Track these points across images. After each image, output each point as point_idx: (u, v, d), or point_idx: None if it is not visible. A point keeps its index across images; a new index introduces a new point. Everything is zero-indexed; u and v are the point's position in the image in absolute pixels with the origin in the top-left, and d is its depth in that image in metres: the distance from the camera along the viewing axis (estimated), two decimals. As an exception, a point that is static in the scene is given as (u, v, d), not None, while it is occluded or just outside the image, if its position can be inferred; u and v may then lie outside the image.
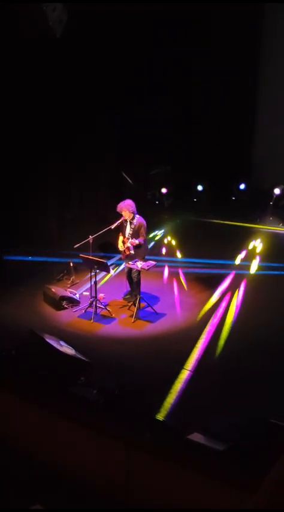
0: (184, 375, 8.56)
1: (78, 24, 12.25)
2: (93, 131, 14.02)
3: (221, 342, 9.58)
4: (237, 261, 12.66)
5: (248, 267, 12.52)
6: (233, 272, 12.25)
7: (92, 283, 10.40)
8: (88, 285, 10.94)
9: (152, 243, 13.79)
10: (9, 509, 4.91)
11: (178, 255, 13.33)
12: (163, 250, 13.59)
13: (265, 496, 2.54)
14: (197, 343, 9.47)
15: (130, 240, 10.29)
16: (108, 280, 11.74)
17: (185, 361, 8.91)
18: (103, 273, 11.36)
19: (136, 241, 10.28)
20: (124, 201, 10.36)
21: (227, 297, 11.11)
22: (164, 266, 12.52)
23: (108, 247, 12.37)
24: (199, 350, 9.28)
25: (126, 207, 10.25)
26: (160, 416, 7.42)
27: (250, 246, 13.57)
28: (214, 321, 10.22)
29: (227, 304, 10.81)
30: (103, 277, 11.69)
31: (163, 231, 14.71)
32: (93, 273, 10.37)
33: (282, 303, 10.99)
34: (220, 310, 10.61)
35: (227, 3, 14.61)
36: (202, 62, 15.52)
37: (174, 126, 15.79)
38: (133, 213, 10.31)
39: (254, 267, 12.58)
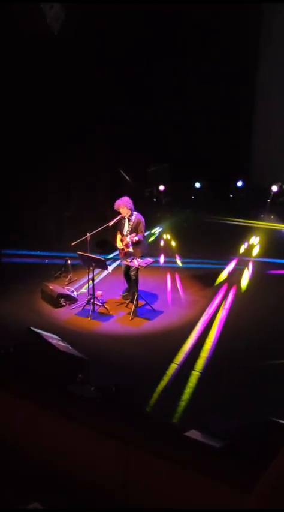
0: (186, 373, 8.57)
1: (77, 21, 12.25)
2: (92, 128, 14.02)
3: (220, 339, 9.59)
4: (224, 275, 12.52)
5: (245, 264, 12.51)
6: (231, 269, 12.26)
7: (90, 280, 10.40)
8: (86, 283, 10.92)
9: (150, 240, 13.78)
10: (8, 509, 4.91)
11: (176, 252, 13.32)
12: (161, 248, 13.58)
13: (263, 494, 2.55)
14: (191, 339, 9.48)
15: (129, 236, 10.28)
16: (106, 277, 11.72)
17: (183, 359, 8.92)
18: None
19: (136, 238, 10.27)
20: (121, 198, 10.35)
21: (225, 294, 11.12)
22: (162, 264, 12.52)
23: (105, 244, 12.36)
24: (193, 346, 9.28)
25: (124, 204, 10.24)
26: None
27: (248, 244, 13.57)
28: (210, 318, 10.22)
29: (225, 302, 10.82)
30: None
31: (160, 228, 14.70)
32: (92, 273, 10.36)
33: (280, 300, 11.01)
34: (218, 307, 10.62)
35: (228, 3, 14.63)
36: (200, 60, 15.50)
37: (172, 124, 15.79)
38: (130, 210, 10.30)
39: (251, 264, 12.58)
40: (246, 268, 12.35)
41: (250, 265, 12.52)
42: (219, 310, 10.51)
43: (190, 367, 8.75)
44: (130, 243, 10.30)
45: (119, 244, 10.47)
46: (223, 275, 11.97)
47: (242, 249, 13.19)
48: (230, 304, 10.77)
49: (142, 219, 10.36)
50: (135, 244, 10.34)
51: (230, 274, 11.98)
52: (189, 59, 15.40)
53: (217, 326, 9.99)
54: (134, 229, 10.30)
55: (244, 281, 11.78)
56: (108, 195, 13.42)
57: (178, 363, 8.84)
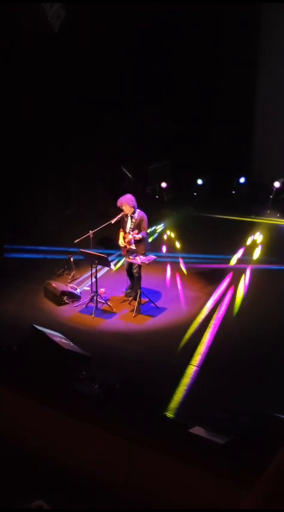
0: (190, 370, 8.58)
1: (78, 19, 12.24)
2: (93, 126, 14.02)
3: (222, 335, 9.60)
4: (233, 262, 12.55)
5: (248, 261, 12.51)
6: (234, 266, 12.26)
7: (93, 278, 10.40)
8: (89, 280, 10.93)
9: (153, 237, 13.80)
10: (10, 509, 4.92)
11: (178, 249, 13.32)
12: (164, 245, 13.58)
13: (264, 490, 2.55)
14: (196, 337, 9.49)
15: (130, 236, 10.28)
16: (109, 275, 11.73)
17: (186, 356, 8.93)
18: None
19: (139, 235, 10.27)
20: (124, 195, 10.34)
21: (227, 291, 11.12)
22: (164, 260, 12.52)
23: (108, 242, 12.37)
24: (200, 344, 9.29)
25: (126, 202, 10.23)
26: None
27: (250, 240, 13.56)
28: (214, 315, 10.23)
29: (228, 299, 10.82)
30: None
31: (163, 225, 14.70)
32: (94, 269, 10.37)
33: (282, 295, 11.01)
34: (221, 304, 10.62)
35: (229, 3, 14.63)
36: (202, 57, 15.49)
37: (174, 120, 15.78)
38: (133, 207, 10.28)
39: (254, 260, 12.57)
40: (249, 264, 12.34)
41: (252, 261, 12.52)
42: (221, 306, 10.52)
43: (193, 363, 8.75)
44: (133, 241, 10.30)
45: (121, 242, 10.47)
46: (226, 271, 11.96)
47: (238, 255, 13.10)
48: (232, 300, 10.77)
49: (145, 217, 10.35)
50: (138, 241, 10.33)
51: (233, 271, 11.94)
52: (191, 57, 15.39)
53: (220, 322, 9.99)
54: (137, 227, 10.29)
55: (246, 276, 11.80)
56: (110, 193, 13.43)
57: (182, 360, 8.85)
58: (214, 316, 10.20)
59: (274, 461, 2.57)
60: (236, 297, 10.94)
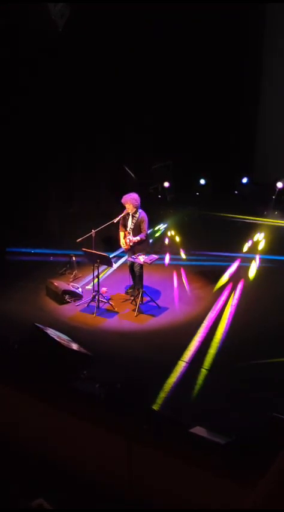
0: (181, 367, 8.58)
1: (82, 20, 12.25)
2: (97, 126, 14.03)
3: (225, 335, 9.59)
4: (244, 249, 12.57)
5: (250, 261, 12.51)
6: (236, 265, 12.26)
7: (94, 276, 10.41)
8: (91, 279, 10.93)
9: (156, 236, 13.80)
10: (11, 508, 4.91)
11: (181, 249, 13.32)
12: (166, 244, 13.57)
13: (266, 490, 2.55)
14: (197, 336, 9.48)
15: (129, 237, 10.29)
16: (111, 274, 11.74)
17: (188, 356, 8.93)
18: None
19: (137, 238, 10.29)
20: (130, 193, 10.36)
21: (229, 291, 11.12)
22: (166, 260, 12.52)
23: (110, 241, 12.37)
24: (199, 343, 9.29)
25: (131, 200, 10.25)
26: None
27: (253, 240, 13.55)
28: (215, 314, 10.22)
29: (230, 298, 10.81)
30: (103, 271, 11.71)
31: (165, 225, 14.70)
32: (97, 270, 10.37)
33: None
34: (222, 303, 10.62)
35: (231, 3, 14.62)
36: (204, 56, 15.49)
37: (176, 120, 15.79)
38: (136, 207, 10.30)
39: (256, 260, 12.57)
40: (252, 263, 12.33)
41: (256, 260, 12.51)
42: (225, 306, 10.51)
43: (195, 363, 8.75)
44: (132, 242, 10.33)
45: (123, 244, 10.47)
46: (228, 271, 11.96)
47: (246, 247, 13.15)
48: (234, 299, 10.76)
49: (146, 218, 10.36)
50: (138, 242, 10.36)
51: (232, 275, 11.93)
52: (194, 56, 15.39)
53: (223, 322, 9.98)
54: (137, 227, 10.31)
55: (251, 274, 11.80)
56: (112, 192, 13.42)
57: (183, 359, 8.84)
58: (216, 315, 10.19)
59: (276, 462, 2.57)
60: (238, 295, 10.92)
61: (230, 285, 11.37)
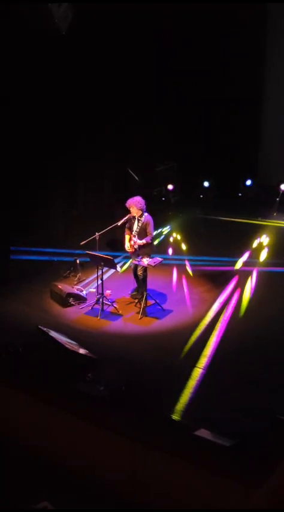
0: (196, 372, 8.56)
1: (86, 22, 12.26)
2: (101, 128, 14.04)
3: (228, 338, 9.57)
4: (239, 264, 12.50)
5: (254, 263, 12.49)
6: (240, 268, 12.24)
7: (99, 279, 10.40)
8: (95, 282, 10.93)
9: (160, 239, 13.79)
10: (16, 509, 4.91)
11: (184, 251, 13.31)
12: (170, 247, 13.56)
13: (271, 492, 2.54)
14: (201, 339, 9.48)
15: (134, 239, 10.29)
16: (115, 277, 11.73)
17: (192, 358, 8.91)
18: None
19: (143, 241, 10.29)
20: (134, 197, 10.36)
21: (234, 294, 11.10)
22: (170, 263, 12.51)
23: (114, 244, 12.37)
24: (206, 347, 9.28)
25: (135, 204, 10.24)
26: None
27: (256, 243, 13.53)
28: (220, 317, 10.21)
29: (234, 301, 10.80)
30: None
31: (169, 227, 14.69)
32: (100, 271, 10.37)
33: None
34: (227, 306, 10.60)
35: (234, 3, 14.62)
36: (208, 59, 15.50)
37: (181, 122, 15.79)
38: (141, 210, 10.29)
39: (260, 263, 12.55)
40: (255, 267, 12.31)
41: (259, 263, 12.50)
42: (227, 308, 10.50)
43: (199, 365, 8.73)
44: (137, 245, 10.32)
45: (128, 247, 10.45)
46: (232, 274, 11.94)
47: (244, 259, 13.06)
48: (239, 302, 10.75)
49: (151, 221, 10.35)
50: (143, 245, 10.35)
51: (239, 273, 11.91)
52: (197, 57, 15.40)
53: (226, 324, 9.97)
54: (142, 230, 10.31)
55: (252, 278, 11.78)
56: (116, 195, 13.42)
57: (188, 362, 8.83)
58: (220, 318, 10.17)
59: (281, 465, 2.56)
60: (243, 299, 10.92)
61: (234, 288, 11.35)
